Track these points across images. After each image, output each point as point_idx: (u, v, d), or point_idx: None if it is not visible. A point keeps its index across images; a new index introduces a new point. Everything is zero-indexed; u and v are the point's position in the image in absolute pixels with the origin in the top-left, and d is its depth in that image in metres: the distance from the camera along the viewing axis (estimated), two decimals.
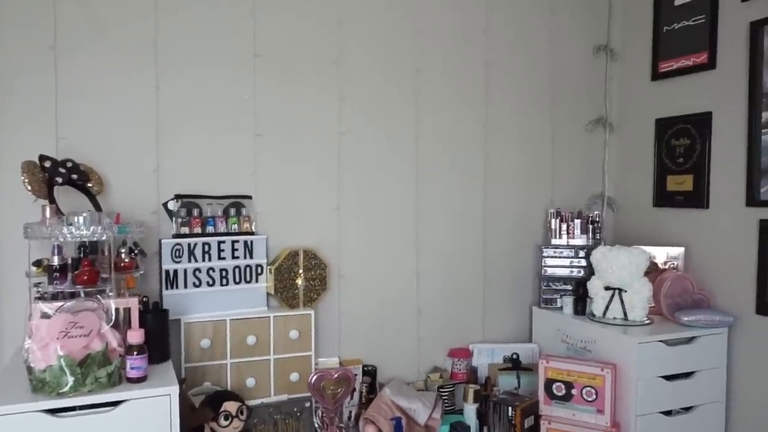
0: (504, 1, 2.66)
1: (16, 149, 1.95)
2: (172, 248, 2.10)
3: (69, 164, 1.92)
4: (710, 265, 2.43)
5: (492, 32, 2.64)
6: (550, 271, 2.60)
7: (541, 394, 2.22)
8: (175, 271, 2.11)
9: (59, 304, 1.55)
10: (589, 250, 2.50)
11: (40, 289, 1.72)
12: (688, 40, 2.52)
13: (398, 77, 2.49)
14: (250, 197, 2.26)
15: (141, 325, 1.70)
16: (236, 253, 2.20)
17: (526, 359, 2.56)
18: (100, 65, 2.05)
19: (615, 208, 2.87)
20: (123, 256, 1.86)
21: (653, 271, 2.45)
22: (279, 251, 2.29)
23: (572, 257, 2.58)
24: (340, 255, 2.42)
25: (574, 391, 2.16)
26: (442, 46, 2.56)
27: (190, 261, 2.13)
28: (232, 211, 2.21)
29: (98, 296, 1.64)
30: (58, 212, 1.82)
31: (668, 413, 2.22)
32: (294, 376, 2.20)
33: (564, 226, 2.63)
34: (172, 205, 2.13)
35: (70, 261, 1.75)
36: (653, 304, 2.36)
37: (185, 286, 2.12)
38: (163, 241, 2.10)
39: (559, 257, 2.59)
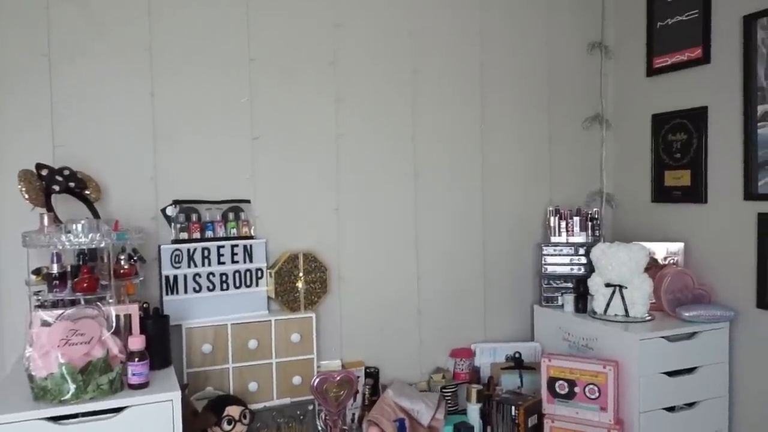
0: (498, 3, 2.66)
1: (13, 158, 1.95)
2: (172, 254, 2.10)
3: (66, 172, 1.92)
4: (710, 260, 2.43)
5: (487, 32, 2.65)
6: (550, 269, 2.60)
7: (544, 392, 2.22)
8: (175, 277, 2.11)
9: (59, 311, 1.55)
10: (588, 247, 2.50)
11: (40, 297, 1.73)
12: (682, 35, 2.53)
13: (395, 78, 2.49)
14: (248, 201, 2.26)
15: (142, 332, 1.70)
16: (236, 258, 2.20)
17: (529, 358, 2.56)
18: (95, 72, 2.05)
19: (614, 205, 2.87)
20: (122, 262, 1.86)
21: (653, 267, 2.45)
22: (279, 255, 2.29)
23: (572, 255, 2.58)
24: (340, 257, 2.42)
25: (576, 389, 2.16)
26: (439, 47, 2.56)
27: (189, 266, 2.12)
28: (231, 215, 2.21)
29: (98, 303, 1.64)
30: (56, 220, 1.82)
31: (671, 409, 2.22)
32: (296, 380, 2.20)
33: (563, 224, 2.63)
34: (170, 211, 2.13)
35: (69, 269, 1.75)
36: (654, 301, 2.36)
37: (185, 292, 2.12)
38: (162, 246, 2.09)
39: (559, 255, 2.59)
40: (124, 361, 1.59)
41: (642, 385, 2.14)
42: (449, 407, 2.37)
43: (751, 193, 2.27)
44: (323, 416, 2.15)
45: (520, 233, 2.73)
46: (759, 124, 2.24)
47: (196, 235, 2.14)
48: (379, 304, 2.49)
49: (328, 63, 2.37)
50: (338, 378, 2.10)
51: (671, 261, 2.51)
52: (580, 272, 2.56)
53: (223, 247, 2.17)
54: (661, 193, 2.64)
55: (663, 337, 2.19)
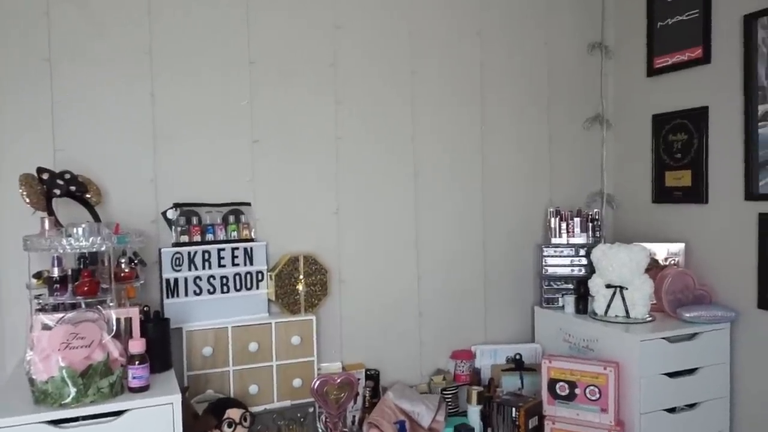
0: (497, 3, 2.66)
1: (14, 162, 1.95)
2: (172, 257, 2.11)
3: (67, 176, 1.92)
4: (711, 261, 2.43)
5: (486, 32, 2.65)
6: (550, 270, 2.60)
7: (545, 394, 2.21)
8: (176, 280, 2.11)
9: (60, 315, 1.56)
10: (589, 248, 2.50)
11: (40, 301, 1.73)
12: (682, 35, 2.52)
13: (395, 80, 2.49)
14: (249, 204, 2.26)
15: (142, 335, 1.71)
16: (236, 260, 2.20)
17: (529, 359, 2.56)
18: (95, 76, 2.05)
19: (614, 206, 2.87)
20: (123, 266, 1.86)
21: (654, 267, 2.45)
22: (279, 257, 2.29)
23: (572, 256, 2.58)
24: (341, 259, 2.42)
25: (577, 391, 2.15)
26: (438, 48, 2.56)
27: (190, 269, 2.13)
28: (231, 218, 2.21)
29: (99, 307, 1.65)
30: (57, 224, 1.83)
31: (672, 410, 2.22)
32: (297, 382, 2.20)
33: (564, 225, 2.63)
34: (171, 214, 2.14)
35: (70, 272, 1.76)
36: (655, 301, 2.36)
37: (186, 295, 2.12)
38: (162, 250, 2.10)
39: (560, 256, 2.59)
40: (124, 364, 1.60)
41: (643, 387, 2.14)
42: (450, 409, 2.37)
43: (752, 194, 2.26)
44: (324, 419, 2.15)
45: (521, 234, 2.73)
46: (760, 123, 2.24)
47: (197, 238, 2.15)
48: (380, 306, 2.49)
49: (326, 65, 2.38)
50: (339, 380, 2.11)
51: (672, 262, 2.51)
52: (581, 273, 2.56)
53: (223, 249, 2.18)
54: (662, 194, 2.64)
55: (664, 338, 2.19)
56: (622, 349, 2.19)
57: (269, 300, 2.25)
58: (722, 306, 2.32)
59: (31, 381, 1.51)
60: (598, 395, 2.12)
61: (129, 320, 1.72)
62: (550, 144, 2.78)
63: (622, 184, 2.85)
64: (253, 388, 2.14)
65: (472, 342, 2.63)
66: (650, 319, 2.32)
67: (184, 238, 2.13)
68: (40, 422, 1.46)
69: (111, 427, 1.51)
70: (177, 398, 1.58)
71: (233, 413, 1.96)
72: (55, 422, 1.47)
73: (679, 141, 2.56)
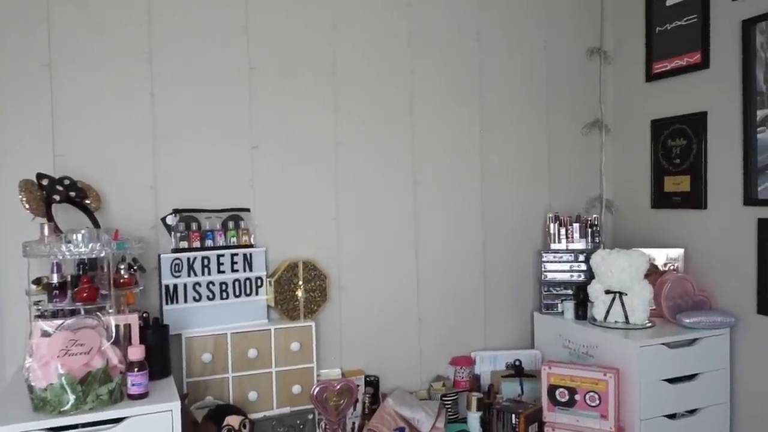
0: (497, 6, 2.67)
1: (13, 168, 1.96)
2: (172, 263, 2.10)
3: (66, 182, 1.93)
4: (710, 266, 2.43)
5: (485, 37, 2.65)
6: (550, 276, 2.60)
7: (545, 400, 2.21)
8: (175, 286, 2.11)
9: (59, 322, 1.56)
10: (588, 254, 2.50)
11: (40, 307, 1.73)
12: (681, 40, 2.53)
13: (393, 86, 2.49)
14: (248, 210, 2.26)
15: (141, 341, 1.70)
16: (236, 266, 2.20)
17: (529, 365, 2.55)
18: (94, 83, 2.06)
19: (613, 211, 2.87)
20: (122, 272, 1.87)
21: (653, 273, 2.44)
22: (278, 263, 2.29)
23: (572, 261, 2.58)
24: (340, 265, 2.42)
25: (577, 397, 2.15)
26: (437, 53, 2.57)
27: (189, 275, 2.13)
28: (231, 224, 2.21)
29: (98, 313, 1.65)
30: (56, 230, 1.83)
31: (672, 416, 2.22)
32: (296, 389, 2.20)
33: (563, 231, 2.63)
34: (170, 220, 2.14)
35: (69, 278, 1.76)
36: (654, 307, 2.35)
37: (185, 301, 2.12)
38: (162, 256, 2.10)
39: (559, 262, 2.59)
40: (123, 371, 1.60)
41: (643, 393, 2.14)
42: (449, 415, 2.36)
43: (750, 199, 2.27)
44: (323, 425, 2.14)
45: (520, 240, 2.73)
46: (758, 128, 2.24)
47: (196, 244, 2.15)
48: (379, 313, 2.49)
49: (326, 71, 2.38)
50: (338, 387, 2.10)
51: (671, 267, 2.51)
52: (580, 279, 2.56)
53: (222, 255, 2.18)
54: (661, 199, 2.64)
55: (663, 343, 2.18)
56: (621, 355, 2.19)
57: (268, 306, 2.25)
58: (722, 311, 2.32)
59: (30, 388, 1.51)
60: (598, 401, 2.12)
61: (128, 327, 1.72)
62: (549, 149, 2.79)
63: (621, 189, 2.85)
64: (252, 395, 2.14)
65: (471, 348, 2.63)
66: (650, 324, 2.32)
67: (184, 244, 2.13)
68: (39, 429, 1.45)
69: None
70: (176, 405, 1.58)
71: (232, 420, 1.95)
72: (54, 430, 1.47)
73: (678, 146, 2.56)
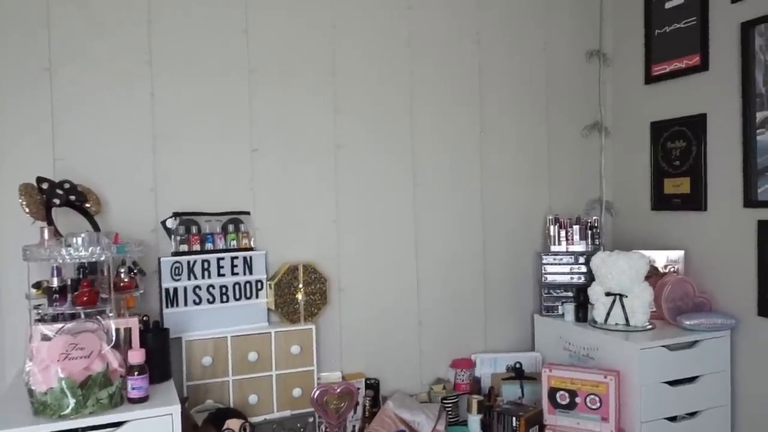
0: (496, 9, 2.67)
1: (13, 171, 1.96)
2: (172, 266, 2.10)
3: (67, 185, 1.93)
4: (710, 268, 2.43)
5: (485, 39, 2.66)
6: (550, 278, 2.60)
7: (545, 403, 2.21)
8: (175, 289, 2.11)
9: (59, 325, 1.56)
10: (588, 256, 2.50)
11: (40, 311, 1.73)
12: (680, 43, 2.53)
13: (393, 87, 2.50)
14: (248, 213, 2.26)
15: (142, 345, 1.70)
16: (236, 270, 2.20)
17: (529, 368, 2.55)
18: (94, 87, 2.06)
19: (613, 213, 2.87)
20: (122, 275, 1.87)
21: (654, 275, 2.44)
22: (278, 266, 2.29)
23: (572, 264, 2.58)
24: (340, 268, 2.42)
25: (578, 400, 2.15)
26: (436, 55, 2.57)
27: (189, 279, 2.13)
28: (231, 227, 2.21)
29: (98, 317, 1.64)
30: (56, 234, 1.83)
31: (673, 419, 2.21)
32: (296, 392, 2.20)
33: (563, 233, 2.63)
34: (170, 223, 2.14)
35: (69, 282, 1.76)
36: (654, 309, 2.35)
37: (185, 304, 2.12)
38: (162, 259, 2.10)
39: (559, 264, 2.59)
40: (123, 375, 1.60)
41: (643, 395, 2.13)
42: (450, 418, 2.36)
43: (750, 201, 2.27)
44: (324, 428, 2.14)
45: (520, 242, 2.73)
46: (758, 130, 2.24)
47: (196, 247, 2.15)
48: (379, 315, 2.49)
49: (326, 71, 2.38)
50: (338, 390, 2.10)
51: (671, 269, 2.51)
52: (580, 281, 2.56)
53: (222, 259, 2.18)
54: (661, 201, 2.64)
55: (664, 346, 2.18)
56: (622, 358, 2.18)
57: (269, 309, 2.25)
58: (722, 313, 2.32)
59: (30, 392, 1.51)
60: (598, 404, 2.12)
61: (128, 330, 1.72)
62: (549, 151, 2.79)
63: (621, 191, 2.85)
64: (252, 398, 2.14)
65: (471, 350, 2.63)
66: (650, 326, 2.32)
67: (184, 248, 2.13)
68: None
69: None
70: (176, 409, 1.58)
71: (233, 424, 1.95)
72: None
73: (677, 148, 2.56)
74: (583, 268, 2.56)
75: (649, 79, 2.68)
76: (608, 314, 2.36)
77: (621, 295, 2.33)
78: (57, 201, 1.89)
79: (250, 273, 2.22)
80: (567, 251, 2.61)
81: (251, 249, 2.24)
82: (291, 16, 2.33)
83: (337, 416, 2.10)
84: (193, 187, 2.19)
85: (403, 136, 2.52)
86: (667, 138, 2.61)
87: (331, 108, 2.40)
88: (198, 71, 2.20)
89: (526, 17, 2.73)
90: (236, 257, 2.20)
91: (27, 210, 1.80)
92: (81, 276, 1.82)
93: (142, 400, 1.60)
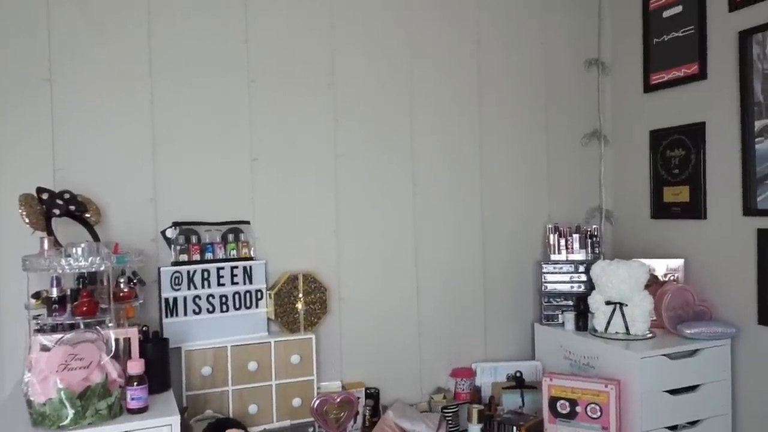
0: (494, 19, 2.68)
1: (13, 182, 1.96)
2: (171, 276, 2.10)
3: (66, 195, 1.93)
4: (710, 276, 2.42)
5: (484, 49, 2.67)
6: (550, 287, 2.60)
7: (546, 412, 2.20)
8: (175, 299, 2.11)
9: (59, 336, 1.55)
10: (588, 264, 2.50)
11: (39, 321, 1.72)
12: (678, 52, 2.54)
13: (393, 98, 2.51)
14: (248, 222, 2.27)
15: (141, 355, 1.70)
16: (235, 279, 2.20)
17: (530, 377, 2.54)
18: (94, 95, 2.07)
19: (613, 221, 2.87)
20: (122, 285, 1.86)
21: (653, 283, 2.44)
22: (278, 276, 2.29)
23: (572, 272, 2.58)
24: (340, 277, 2.42)
25: (578, 409, 2.14)
26: (435, 66, 2.58)
27: (189, 288, 2.13)
28: (231, 236, 2.21)
29: (98, 327, 1.64)
30: (56, 244, 1.83)
31: (674, 428, 2.21)
32: (296, 402, 2.19)
33: (563, 241, 2.63)
34: (170, 233, 2.14)
35: (69, 292, 1.76)
36: (654, 318, 2.35)
37: (185, 314, 2.12)
38: (162, 269, 2.10)
39: (559, 273, 2.59)
40: (123, 385, 1.59)
41: (644, 404, 2.13)
42: (450, 428, 2.36)
43: (750, 209, 2.27)
44: None
45: (520, 251, 2.73)
46: (756, 138, 2.25)
47: (196, 256, 2.15)
48: (379, 324, 2.48)
49: (325, 84, 2.39)
50: (338, 399, 2.10)
51: (671, 278, 2.51)
52: (581, 290, 2.56)
53: (222, 268, 2.18)
54: (660, 209, 2.64)
55: (664, 354, 2.18)
56: (622, 367, 2.18)
57: (269, 319, 2.25)
58: (722, 322, 2.32)
59: (29, 403, 1.50)
60: (599, 413, 2.11)
61: (128, 340, 1.71)
62: (549, 159, 2.79)
63: (621, 199, 2.85)
64: (252, 408, 2.13)
65: (472, 359, 2.62)
66: (650, 335, 2.31)
67: (184, 257, 2.13)
68: None
69: None
70: (176, 419, 1.57)
71: None
72: None
73: (676, 157, 2.57)
74: (583, 277, 2.56)
75: (648, 87, 2.69)
76: (608, 323, 2.36)
77: (621, 304, 2.33)
78: (57, 211, 1.89)
79: (250, 282, 2.22)
80: (567, 260, 2.61)
81: (251, 258, 2.24)
82: (290, 16, 2.34)
83: (337, 426, 2.10)
84: (193, 197, 2.20)
85: (403, 144, 2.52)
86: (667, 146, 2.61)
87: (330, 113, 2.40)
88: (198, 81, 2.20)
89: (524, 27, 2.75)
90: (236, 267, 2.20)
91: (27, 220, 1.80)
92: (80, 286, 1.82)
93: (141, 410, 1.59)
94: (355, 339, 2.44)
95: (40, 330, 1.69)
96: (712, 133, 2.42)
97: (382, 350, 2.49)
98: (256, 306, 2.23)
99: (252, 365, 2.13)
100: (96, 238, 1.97)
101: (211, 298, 2.16)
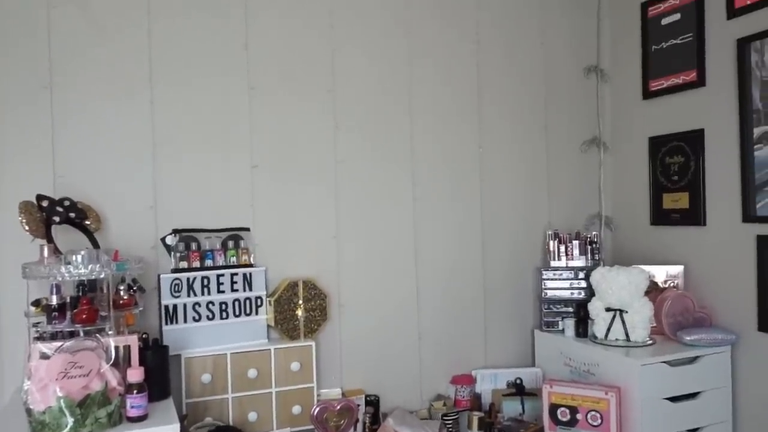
0: (494, 26, 2.69)
1: (13, 189, 1.96)
2: (171, 283, 2.10)
3: (66, 203, 1.93)
4: (710, 283, 2.42)
5: (484, 56, 2.67)
6: (550, 293, 2.59)
7: (546, 419, 2.20)
8: (175, 306, 2.10)
9: (58, 344, 1.55)
10: (588, 271, 2.50)
11: (39, 329, 1.72)
12: (677, 59, 2.55)
13: (392, 98, 2.51)
14: (248, 229, 2.27)
15: (141, 363, 1.70)
16: (235, 286, 2.19)
17: (530, 384, 2.54)
18: (94, 102, 2.07)
19: (612, 228, 2.87)
20: (122, 293, 1.86)
21: (653, 290, 2.44)
22: (278, 282, 2.29)
23: (572, 279, 2.58)
24: (340, 284, 2.42)
25: (578, 416, 2.14)
26: (435, 66, 2.58)
27: (189, 295, 2.12)
28: (231, 243, 2.21)
29: (97, 335, 1.64)
30: (56, 251, 1.83)
31: None
32: (296, 409, 2.19)
33: (563, 248, 2.63)
34: (170, 240, 2.14)
35: (68, 300, 1.75)
36: (654, 324, 2.35)
37: (185, 321, 2.12)
38: (161, 276, 2.10)
39: (559, 279, 2.59)
40: (122, 393, 1.59)
41: (644, 411, 2.12)
42: None
43: (749, 216, 2.27)
44: None
45: (520, 257, 2.73)
46: (755, 145, 2.25)
47: (196, 263, 2.15)
48: (379, 331, 2.48)
49: (325, 89, 2.40)
50: (338, 407, 2.09)
51: (671, 284, 2.51)
52: (581, 296, 2.56)
53: (222, 275, 2.17)
54: (660, 216, 2.65)
55: (664, 361, 2.18)
56: (623, 374, 2.18)
57: (268, 326, 2.24)
58: (722, 329, 2.31)
59: (29, 411, 1.50)
60: (599, 420, 2.11)
61: (128, 348, 1.71)
62: (548, 166, 2.80)
63: (620, 206, 2.85)
64: (252, 416, 2.12)
65: (472, 366, 2.62)
66: (650, 342, 2.31)
67: (183, 264, 2.13)
68: None
69: None
70: (175, 427, 1.57)
71: None
72: None
73: (675, 163, 2.57)
74: (583, 284, 2.56)
75: (647, 94, 2.70)
76: (608, 330, 2.36)
77: (621, 311, 2.33)
78: (57, 218, 1.89)
79: (250, 289, 2.22)
80: (567, 266, 2.61)
81: (251, 265, 2.24)
82: (290, 16, 2.34)
83: None
84: (193, 204, 2.20)
85: (403, 149, 2.53)
86: (666, 153, 2.62)
87: (331, 118, 2.40)
88: (198, 88, 2.21)
89: (524, 34, 2.76)
90: (236, 274, 2.20)
91: (27, 228, 1.80)
92: (80, 293, 1.81)
93: (141, 418, 1.59)
94: (355, 346, 2.43)
95: (40, 338, 1.69)
96: (711, 140, 2.42)
97: (382, 357, 2.48)
98: (256, 313, 2.23)
99: (252, 372, 2.13)
100: (96, 245, 1.97)
101: (210, 305, 2.15)
